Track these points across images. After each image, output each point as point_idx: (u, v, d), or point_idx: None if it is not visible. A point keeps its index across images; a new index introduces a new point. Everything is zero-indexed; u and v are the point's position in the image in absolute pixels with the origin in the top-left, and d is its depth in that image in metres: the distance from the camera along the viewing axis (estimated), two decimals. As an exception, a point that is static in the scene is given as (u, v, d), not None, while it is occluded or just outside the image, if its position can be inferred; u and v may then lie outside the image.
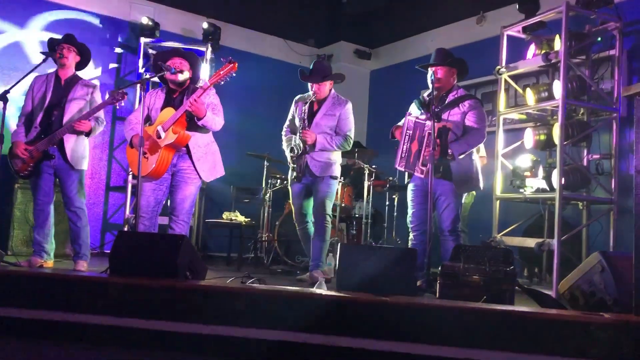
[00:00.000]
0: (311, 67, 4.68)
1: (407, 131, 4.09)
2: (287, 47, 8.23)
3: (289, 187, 4.76)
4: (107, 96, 4.29)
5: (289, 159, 4.68)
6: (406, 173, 4.21)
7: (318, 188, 4.55)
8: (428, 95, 4.06)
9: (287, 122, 4.79)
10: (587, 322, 2.32)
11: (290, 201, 4.79)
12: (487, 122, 4.15)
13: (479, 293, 2.99)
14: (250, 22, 7.77)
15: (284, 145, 4.73)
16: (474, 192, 5.34)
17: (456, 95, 4.13)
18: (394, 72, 8.21)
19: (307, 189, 4.64)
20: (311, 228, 4.67)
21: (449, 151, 3.82)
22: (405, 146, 4.10)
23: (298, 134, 4.54)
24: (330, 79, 4.63)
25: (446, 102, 4.11)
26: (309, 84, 4.62)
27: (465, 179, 4.03)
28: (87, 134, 4.31)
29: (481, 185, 4.22)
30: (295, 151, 4.56)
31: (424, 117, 4.08)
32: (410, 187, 4.22)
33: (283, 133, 4.80)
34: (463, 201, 4.27)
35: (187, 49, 4.53)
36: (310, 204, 4.67)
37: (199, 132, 4.00)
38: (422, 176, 3.94)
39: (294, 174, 4.61)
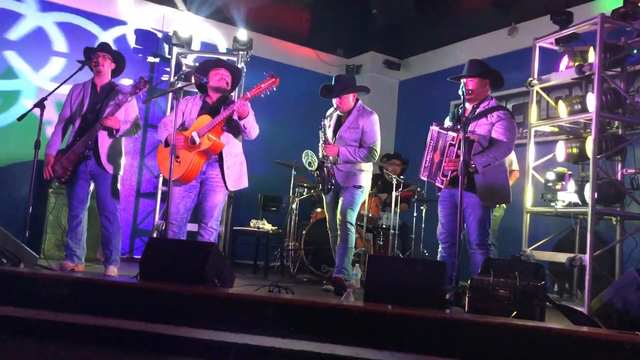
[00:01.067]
0: (333, 81, 4.69)
1: (431, 141, 4.09)
2: (316, 57, 8.28)
3: (322, 195, 4.84)
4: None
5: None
6: (436, 185, 4.19)
7: (342, 197, 4.59)
8: (460, 107, 4.03)
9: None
10: (622, 341, 2.25)
11: (325, 207, 4.83)
12: (516, 135, 4.07)
13: (509, 308, 2.94)
14: (280, 32, 7.84)
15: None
16: (504, 205, 5.26)
17: (487, 107, 4.06)
18: (423, 83, 8.19)
19: (336, 196, 4.67)
20: None
21: (472, 164, 3.78)
22: (428, 156, 4.09)
23: (320, 147, 4.61)
24: (348, 92, 4.59)
25: (476, 113, 4.07)
26: (336, 102, 4.65)
27: (491, 191, 3.92)
28: (117, 132, 4.37)
29: (510, 197, 4.15)
30: (314, 166, 4.61)
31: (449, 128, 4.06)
32: (440, 198, 4.19)
33: None
34: (493, 214, 4.20)
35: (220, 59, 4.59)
36: None
37: (233, 140, 4.07)
38: (442, 186, 3.94)
39: (320, 186, 4.68)
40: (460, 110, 4.01)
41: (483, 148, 3.91)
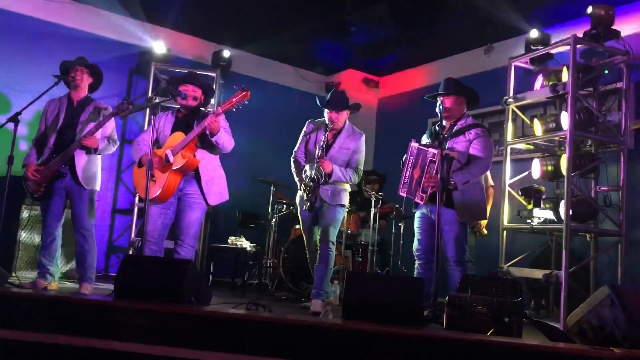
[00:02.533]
0: (330, 95, 4.63)
1: (410, 157, 4.12)
2: (296, 74, 8.31)
3: (299, 215, 4.70)
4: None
5: (300, 186, 4.57)
6: (413, 202, 4.21)
7: (324, 214, 4.52)
8: (437, 125, 4.09)
9: (298, 145, 4.72)
10: (598, 357, 2.28)
11: (301, 227, 4.74)
12: (493, 152, 4.14)
13: (487, 324, 2.95)
14: (260, 49, 7.87)
15: (293, 169, 4.68)
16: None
17: (464, 124, 4.12)
18: (401, 101, 8.27)
19: (316, 214, 4.59)
20: None
21: (451, 180, 3.82)
22: (407, 172, 4.11)
23: (315, 164, 4.43)
24: (350, 109, 4.60)
25: (453, 130, 4.12)
26: (325, 113, 4.56)
27: (469, 206, 3.98)
28: (95, 151, 4.34)
29: (487, 214, 4.20)
30: (317, 180, 4.42)
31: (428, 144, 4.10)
32: (417, 214, 4.21)
33: (293, 156, 4.73)
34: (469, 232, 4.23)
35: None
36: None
37: (211, 152, 4.05)
38: (422, 202, 3.96)
39: (308, 203, 4.49)
40: (438, 128, 4.06)
41: (462, 165, 3.96)
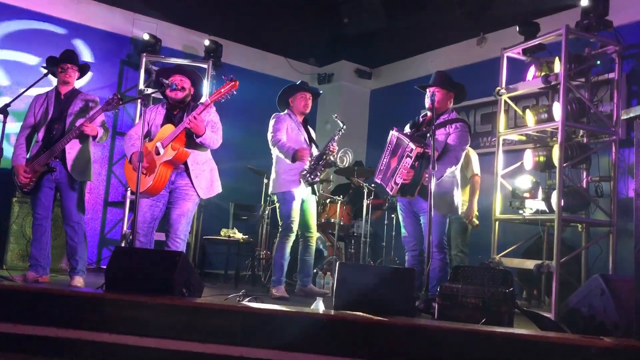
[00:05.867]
0: (300, 82, 4.99)
1: (389, 146, 4.17)
2: (288, 65, 8.28)
3: (290, 193, 4.67)
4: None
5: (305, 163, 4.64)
6: (386, 189, 4.31)
7: (311, 204, 4.79)
8: (422, 117, 4.23)
9: (280, 132, 4.81)
10: (588, 346, 2.29)
11: (295, 210, 4.70)
12: (466, 147, 4.21)
13: (478, 315, 2.96)
14: (251, 40, 7.83)
15: (284, 154, 4.69)
16: (476, 213, 5.31)
17: (447, 118, 4.20)
18: (394, 92, 8.25)
19: (302, 200, 4.77)
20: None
21: (425, 174, 3.87)
22: (385, 160, 4.18)
23: (327, 150, 4.62)
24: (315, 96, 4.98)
25: (436, 122, 4.15)
26: (299, 99, 4.88)
27: (442, 199, 4.03)
28: (94, 139, 4.33)
29: (460, 209, 4.26)
30: (334, 162, 4.75)
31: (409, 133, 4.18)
32: (399, 206, 4.32)
33: (279, 143, 4.75)
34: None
35: (188, 66, 4.55)
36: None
37: (198, 149, 4.01)
38: (392, 193, 4.06)
39: (310, 178, 4.60)
40: (421, 119, 4.24)
41: (437, 156, 4.00)
